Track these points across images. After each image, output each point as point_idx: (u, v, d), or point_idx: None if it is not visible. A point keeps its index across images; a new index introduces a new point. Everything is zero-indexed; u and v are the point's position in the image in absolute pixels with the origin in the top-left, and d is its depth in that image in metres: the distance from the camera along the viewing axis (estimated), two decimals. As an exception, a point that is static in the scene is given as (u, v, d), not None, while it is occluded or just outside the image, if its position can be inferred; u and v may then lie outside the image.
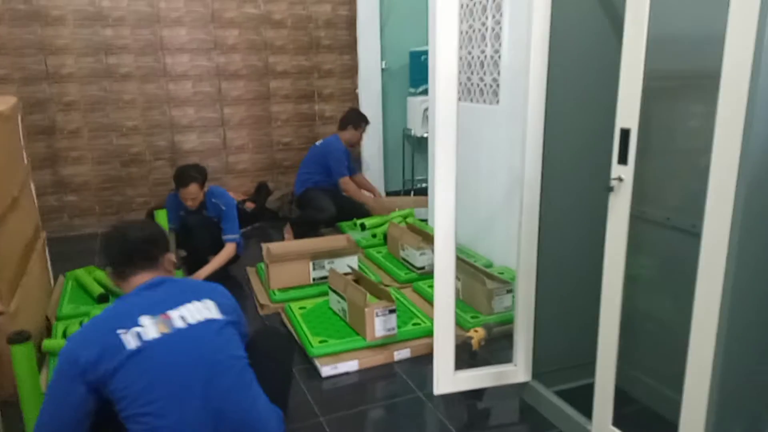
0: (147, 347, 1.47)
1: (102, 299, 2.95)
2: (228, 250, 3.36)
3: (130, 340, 1.47)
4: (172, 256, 1.77)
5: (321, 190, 4.22)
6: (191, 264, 3.40)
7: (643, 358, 2.04)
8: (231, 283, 3.46)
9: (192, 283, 1.81)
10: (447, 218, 1.90)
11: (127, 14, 4.30)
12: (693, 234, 1.81)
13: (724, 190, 1.37)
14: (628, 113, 1.58)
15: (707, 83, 1.73)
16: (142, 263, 1.67)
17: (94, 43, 4.25)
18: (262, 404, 1.63)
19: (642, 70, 1.53)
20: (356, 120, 4.32)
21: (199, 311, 1.59)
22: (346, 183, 4.26)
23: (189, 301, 1.60)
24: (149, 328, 1.49)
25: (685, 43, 1.74)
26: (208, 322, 1.58)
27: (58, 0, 4.10)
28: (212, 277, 3.39)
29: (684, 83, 1.84)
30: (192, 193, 3.30)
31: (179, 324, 1.54)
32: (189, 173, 3.32)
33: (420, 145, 5.15)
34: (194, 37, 4.52)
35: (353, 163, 4.52)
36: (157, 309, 1.55)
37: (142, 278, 1.65)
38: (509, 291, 2.71)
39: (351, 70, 5.04)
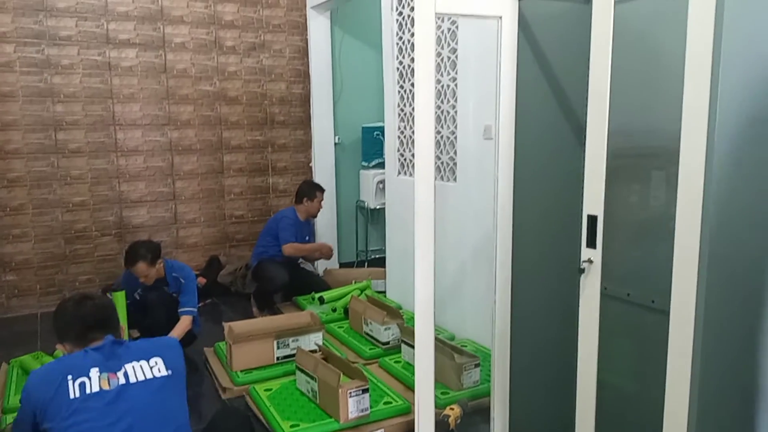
0: (83, 399, 1.57)
1: None
2: (183, 324, 3.24)
3: (75, 389, 1.58)
4: (123, 327, 1.94)
5: (275, 262, 4.19)
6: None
7: (612, 429, 2.12)
8: (187, 366, 3.33)
9: (146, 343, 1.86)
10: (426, 308, 1.95)
11: (79, 90, 4.27)
12: (653, 309, 1.95)
13: (688, 269, 1.51)
14: (593, 201, 1.72)
15: (661, 168, 1.92)
16: (105, 329, 1.76)
17: (43, 119, 4.18)
18: None
19: (604, 163, 1.69)
20: (308, 191, 4.34)
21: (144, 370, 1.68)
22: (287, 248, 4.16)
23: (138, 360, 1.69)
24: (94, 381, 1.59)
25: (642, 133, 1.94)
26: (149, 381, 1.66)
27: (9, 77, 4.04)
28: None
29: (640, 168, 2.02)
30: (141, 272, 3.20)
31: (122, 381, 1.63)
32: (137, 251, 3.22)
33: (373, 217, 5.25)
34: (147, 113, 4.52)
35: (312, 236, 4.54)
36: (108, 366, 1.65)
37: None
38: (477, 365, 2.77)
39: (305, 145, 5.15)
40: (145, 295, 3.30)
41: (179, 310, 3.27)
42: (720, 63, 1.46)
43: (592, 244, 1.74)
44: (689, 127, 1.50)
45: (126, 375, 1.65)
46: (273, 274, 4.05)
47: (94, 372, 1.61)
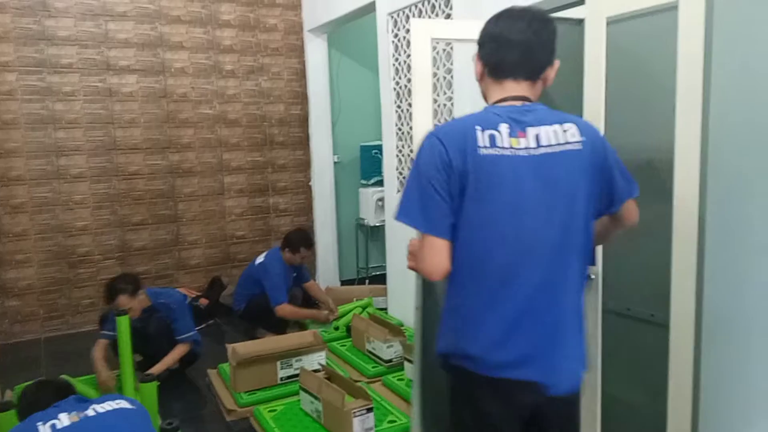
0: None
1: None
2: (178, 351, 3.27)
3: (46, 430, 1.66)
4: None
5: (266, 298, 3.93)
6: (146, 368, 3.26)
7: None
8: (190, 387, 3.34)
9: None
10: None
11: (80, 117, 4.32)
12: (653, 323, 1.97)
13: (686, 282, 1.53)
14: (591, 218, 1.75)
15: (657, 182, 1.96)
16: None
17: (45, 145, 4.22)
18: None
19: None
20: (293, 244, 4.04)
21: (110, 405, 1.79)
22: (281, 310, 3.86)
23: (104, 401, 1.81)
24: (63, 420, 1.69)
25: (637, 149, 1.97)
26: (117, 410, 1.77)
27: (11, 104, 4.09)
28: (171, 381, 3.29)
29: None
30: (123, 305, 3.12)
31: (90, 414, 1.73)
32: (115, 287, 3.17)
33: (373, 234, 5.28)
34: (148, 137, 4.57)
35: (304, 271, 4.25)
36: (75, 408, 1.76)
37: None
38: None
39: (304, 164, 5.20)
40: (144, 326, 3.28)
41: (176, 338, 3.29)
42: (711, 77, 1.50)
43: (591, 261, 1.77)
44: (683, 141, 1.54)
45: (95, 410, 1.75)
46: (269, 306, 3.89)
47: (63, 415, 1.71)
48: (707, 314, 1.54)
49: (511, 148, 1.28)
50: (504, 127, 1.30)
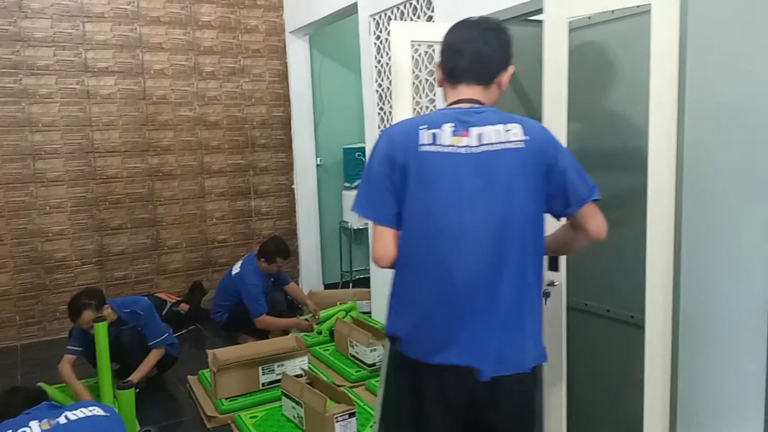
0: None
1: None
2: (152, 358, 3.20)
3: None
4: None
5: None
6: (123, 376, 3.20)
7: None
8: (170, 394, 3.29)
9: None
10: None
11: (57, 119, 4.25)
12: (632, 324, 1.98)
13: (662, 282, 1.54)
14: (552, 225, 1.75)
15: (633, 183, 1.97)
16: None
17: (21, 148, 4.14)
18: None
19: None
20: (270, 255, 3.97)
21: (83, 412, 1.77)
22: (261, 322, 3.83)
23: (77, 408, 1.80)
24: (34, 427, 1.67)
25: (609, 151, 1.98)
26: (91, 418, 1.75)
27: (-15, 107, 4.01)
28: (150, 388, 3.25)
29: (611, 184, 2.07)
30: (89, 320, 3.01)
31: (62, 421, 1.71)
32: (79, 302, 3.06)
33: (357, 237, 5.26)
34: (127, 140, 4.50)
35: (283, 274, 4.21)
36: (47, 415, 1.74)
37: None
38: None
39: (287, 167, 5.17)
40: (115, 338, 3.18)
41: (149, 344, 3.22)
42: (686, 79, 1.51)
43: (554, 267, 1.77)
44: (657, 143, 1.54)
45: (67, 417, 1.74)
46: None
47: (34, 423, 1.69)
48: (683, 315, 1.54)
49: (452, 146, 1.37)
50: (448, 127, 1.39)
